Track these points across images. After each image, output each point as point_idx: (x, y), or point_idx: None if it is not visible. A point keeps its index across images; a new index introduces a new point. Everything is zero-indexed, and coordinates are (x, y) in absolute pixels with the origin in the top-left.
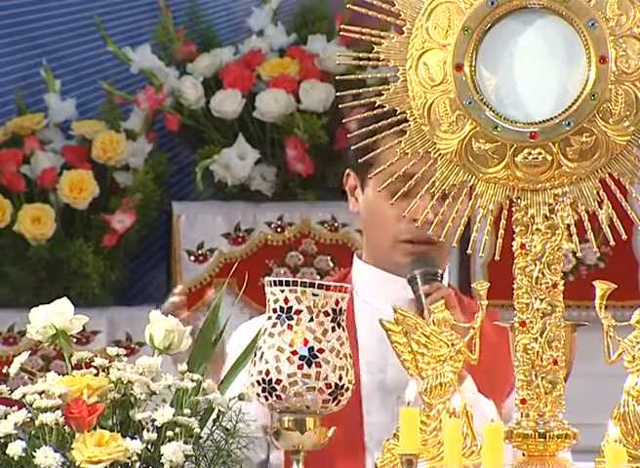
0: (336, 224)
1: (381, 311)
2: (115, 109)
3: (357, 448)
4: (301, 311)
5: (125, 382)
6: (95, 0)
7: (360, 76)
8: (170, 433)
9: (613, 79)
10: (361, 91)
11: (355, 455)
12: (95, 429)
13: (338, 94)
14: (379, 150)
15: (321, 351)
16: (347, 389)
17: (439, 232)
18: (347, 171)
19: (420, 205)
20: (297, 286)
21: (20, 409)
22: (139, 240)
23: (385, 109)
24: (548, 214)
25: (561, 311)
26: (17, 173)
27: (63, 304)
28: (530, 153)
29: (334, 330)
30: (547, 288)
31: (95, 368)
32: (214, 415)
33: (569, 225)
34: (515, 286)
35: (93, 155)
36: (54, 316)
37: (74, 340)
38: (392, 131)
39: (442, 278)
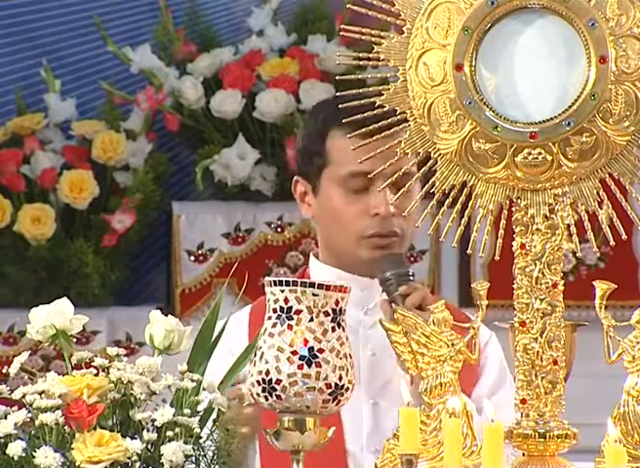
0: None
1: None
2: (115, 109)
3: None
4: (301, 311)
5: (125, 382)
6: (95, 0)
7: (360, 76)
8: (170, 433)
9: (613, 79)
10: (361, 91)
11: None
12: (95, 429)
13: (338, 94)
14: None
15: (321, 351)
16: (347, 389)
17: (400, 224)
18: (295, 178)
19: (381, 200)
20: (297, 286)
21: (20, 409)
22: (139, 240)
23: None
24: (548, 214)
25: (561, 311)
26: (17, 173)
27: (63, 304)
28: (530, 153)
29: (334, 330)
30: (547, 288)
31: (95, 368)
32: (214, 415)
33: (569, 225)
34: (515, 286)
35: (93, 155)
36: (54, 316)
37: (74, 340)
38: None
39: (414, 277)
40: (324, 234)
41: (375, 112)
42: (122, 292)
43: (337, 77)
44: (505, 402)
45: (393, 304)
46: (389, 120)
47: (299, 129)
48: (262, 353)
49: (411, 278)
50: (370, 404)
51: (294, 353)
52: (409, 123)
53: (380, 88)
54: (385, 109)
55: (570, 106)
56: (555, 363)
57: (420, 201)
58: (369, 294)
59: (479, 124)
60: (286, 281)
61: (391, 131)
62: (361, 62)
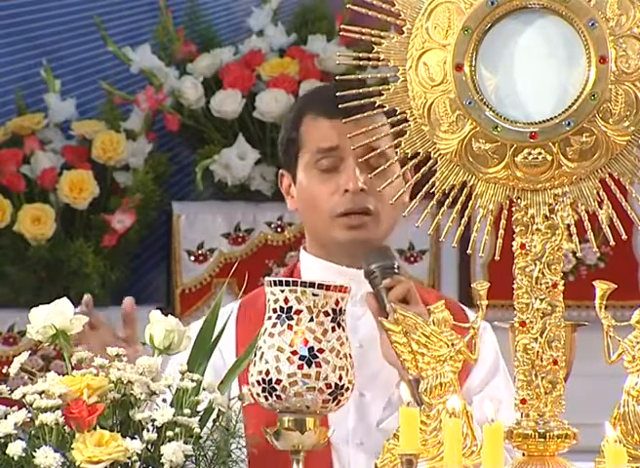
0: None
1: None
2: (115, 109)
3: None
4: (301, 311)
5: (125, 382)
6: (95, 0)
7: (360, 76)
8: (170, 433)
9: (613, 79)
10: (361, 91)
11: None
12: (95, 429)
13: (338, 93)
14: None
15: (321, 351)
16: (347, 389)
17: (372, 202)
18: (280, 171)
19: (350, 176)
20: (297, 286)
21: (20, 409)
22: (139, 240)
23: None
24: (548, 214)
25: (561, 311)
26: (17, 173)
27: (63, 304)
28: (530, 153)
29: (334, 330)
30: (547, 288)
31: (95, 368)
32: (214, 415)
33: (569, 225)
34: (515, 286)
35: (93, 155)
36: (54, 316)
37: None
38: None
39: (399, 270)
40: (305, 223)
41: (350, 93)
42: (122, 292)
43: (337, 77)
44: (498, 392)
45: (379, 297)
46: (363, 101)
47: None
48: (262, 353)
49: (396, 271)
50: (356, 395)
51: (294, 353)
52: (409, 123)
53: (381, 88)
54: (360, 90)
55: (570, 106)
56: (555, 363)
57: (406, 189)
58: (356, 286)
59: (479, 124)
60: (286, 281)
61: (369, 111)
62: (361, 62)
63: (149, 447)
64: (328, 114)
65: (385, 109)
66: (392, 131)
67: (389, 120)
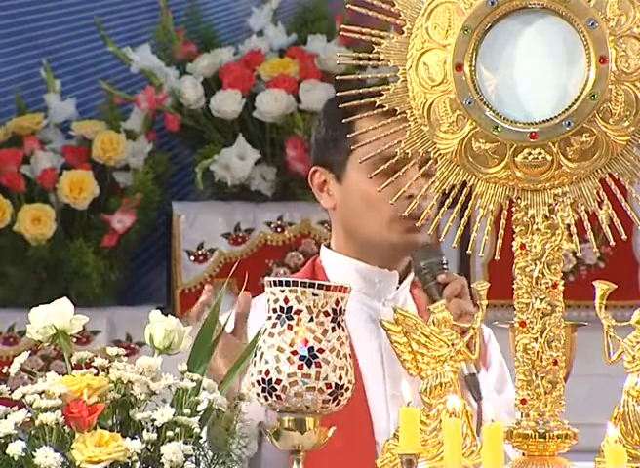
0: None
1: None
2: (115, 109)
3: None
4: (301, 311)
5: (125, 382)
6: (95, 0)
7: (360, 76)
8: (170, 433)
9: (613, 79)
10: (361, 91)
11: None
12: (95, 429)
13: (338, 94)
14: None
15: (321, 351)
16: (347, 389)
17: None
18: (313, 168)
19: (416, 181)
20: (297, 286)
21: (20, 409)
22: (139, 240)
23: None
24: (548, 214)
25: (561, 311)
26: (17, 173)
27: (63, 304)
28: (530, 153)
29: (334, 330)
30: (547, 288)
31: (95, 368)
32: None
33: (569, 225)
34: (515, 286)
35: (93, 155)
36: (54, 316)
37: (74, 340)
38: (374, 112)
39: (447, 265)
40: (348, 222)
41: (350, 93)
42: (122, 293)
43: (337, 77)
44: (512, 397)
45: (430, 294)
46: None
47: (299, 129)
48: (262, 353)
49: (445, 267)
50: (392, 394)
51: (294, 353)
52: (409, 123)
53: (381, 88)
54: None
55: (570, 106)
56: (555, 363)
57: (407, 188)
58: (386, 286)
59: (479, 124)
60: (286, 281)
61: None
62: (361, 62)
63: (149, 447)
64: (388, 115)
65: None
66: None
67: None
